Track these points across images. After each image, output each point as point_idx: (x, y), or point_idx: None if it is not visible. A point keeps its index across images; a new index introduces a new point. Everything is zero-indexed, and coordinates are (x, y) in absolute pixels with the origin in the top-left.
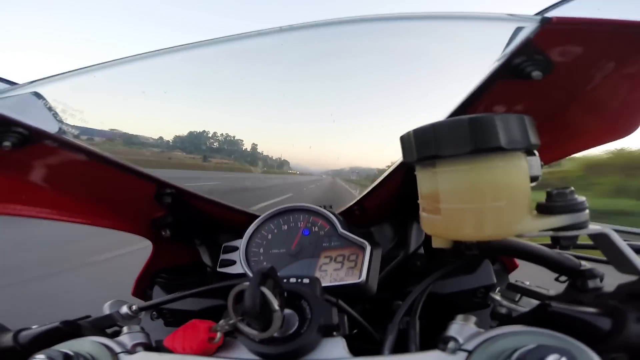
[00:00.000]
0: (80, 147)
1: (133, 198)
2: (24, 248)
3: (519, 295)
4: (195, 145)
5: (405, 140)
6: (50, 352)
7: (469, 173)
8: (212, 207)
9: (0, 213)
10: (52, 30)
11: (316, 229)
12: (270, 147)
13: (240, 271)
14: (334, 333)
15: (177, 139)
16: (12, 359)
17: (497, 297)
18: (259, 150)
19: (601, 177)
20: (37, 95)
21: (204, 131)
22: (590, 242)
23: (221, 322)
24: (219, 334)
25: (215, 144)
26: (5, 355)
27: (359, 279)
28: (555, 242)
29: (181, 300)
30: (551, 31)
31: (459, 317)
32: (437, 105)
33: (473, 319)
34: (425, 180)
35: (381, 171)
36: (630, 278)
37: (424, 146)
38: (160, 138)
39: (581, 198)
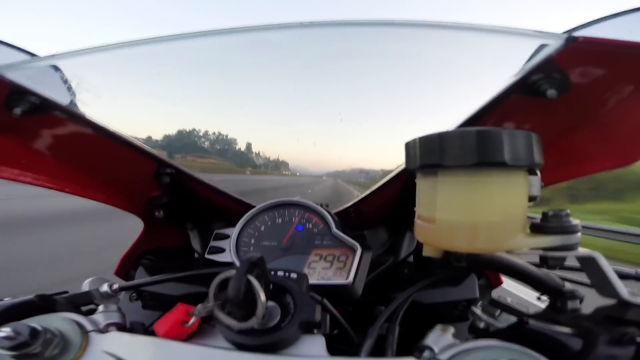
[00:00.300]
0: (89, 121)
1: (132, 175)
2: None
3: (499, 311)
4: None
5: (410, 146)
6: (17, 326)
7: (469, 185)
8: (209, 192)
9: None
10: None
11: (310, 225)
12: (267, 146)
13: (228, 260)
14: (315, 331)
15: (166, 138)
16: None
17: (478, 311)
18: (254, 149)
19: None
20: (55, 68)
21: (193, 129)
22: (577, 265)
23: (199, 306)
24: (193, 318)
25: (207, 142)
26: None
27: (346, 280)
28: (544, 261)
29: (163, 283)
30: (575, 50)
31: (438, 326)
32: (448, 115)
33: (451, 330)
34: (425, 189)
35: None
36: (609, 302)
37: (428, 154)
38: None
39: (575, 221)
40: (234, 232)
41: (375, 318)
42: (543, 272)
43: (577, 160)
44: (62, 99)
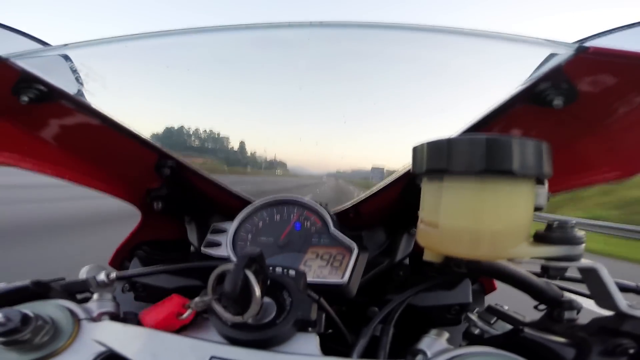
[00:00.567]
0: (94, 110)
1: (133, 165)
2: None
3: (495, 318)
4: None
5: (417, 151)
6: (8, 311)
7: (475, 192)
8: (208, 186)
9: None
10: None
11: (308, 224)
12: (265, 145)
13: (224, 254)
14: (309, 329)
15: (154, 136)
16: None
17: (474, 318)
18: (251, 148)
19: None
20: (66, 57)
21: (186, 127)
22: (577, 275)
23: (196, 299)
24: (188, 311)
25: (197, 141)
26: None
27: (341, 279)
28: (545, 271)
29: (157, 275)
30: (585, 60)
31: (433, 331)
32: (453, 120)
33: (446, 335)
34: (430, 193)
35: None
36: (607, 313)
37: (436, 159)
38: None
39: (580, 233)
40: (231, 226)
41: (367, 318)
42: (543, 281)
43: (583, 170)
44: (69, 88)
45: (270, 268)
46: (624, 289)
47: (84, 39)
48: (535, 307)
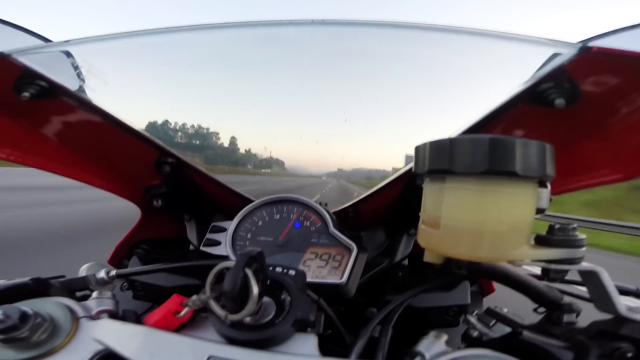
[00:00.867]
0: (95, 107)
1: (133, 162)
2: None
3: (493, 321)
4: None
5: (420, 150)
6: (7, 308)
7: (477, 193)
8: (208, 184)
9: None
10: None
11: (308, 223)
12: (263, 145)
13: (224, 253)
14: (308, 329)
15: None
16: None
17: (473, 320)
18: (249, 148)
19: None
20: (68, 54)
21: (166, 121)
22: (577, 278)
23: (194, 297)
24: (186, 309)
25: (196, 140)
26: None
27: (340, 279)
28: (545, 273)
29: (156, 274)
30: (588, 60)
31: (431, 333)
32: (454, 119)
33: (444, 337)
34: (431, 194)
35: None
36: (606, 317)
37: (438, 159)
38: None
39: (581, 235)
40: (231, 225)
41: (365, 319)
42: (543, 284)
43: (586, 170)
44: (71, 84)
45: (270, 267)
46: (624, 292)
47: (85, 36)
48: (535, 310)
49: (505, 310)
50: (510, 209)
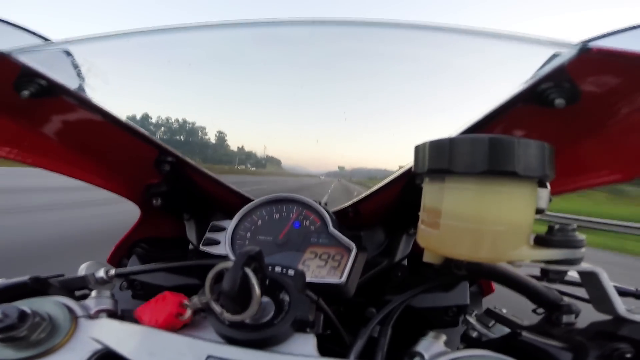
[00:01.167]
0: (95, 106)
1: (133, 161)
2: None
3: (493, 321)
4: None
5: (419, 150)
6: (5, 308)
7: (477, 193)
8: (208, 183)
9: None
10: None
11: (307, 223)
12: (262, 144)
13: (223, 253)
14: (307, 330)
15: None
16: None
17: (472, 321)
18: (248, 147)
19: None
20: (67, 53)
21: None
22: (576, 279)
23: (194, 297)
24: (188, 311)
25: (196, 139)
26: None
27: (339, 279)
28: (544, 274)
29: (155, 273)
30: (588, 60)
31: (431, 333)
32: (453, 119)
33: (443, 337)
34: (431, 194)
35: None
36: (605, 317)
37: (438, 159)
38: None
39: (581, 236)
40: (230, 224)
41: (365, 319)
42: (542, 285)
43: (582, 172)
44: (70, 83)
45: (269, 267)
46: (622, 293)
47: (85, 35)
48: (534, 311)
49: (505, 311)
50: (510, 209)
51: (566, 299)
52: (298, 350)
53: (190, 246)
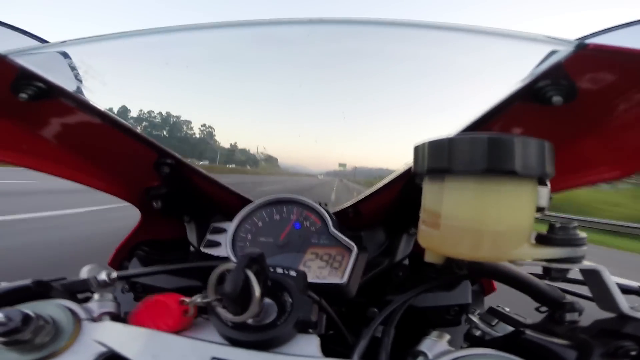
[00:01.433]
0: (93, 108)
1: (132, 163)
2: None
3: (496, 320)
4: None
5: (419, 150)
6: (9, 311)
7: (477, 192)
8: (208, 185)
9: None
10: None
11: (308, 224)
12: (260, 143)
13: (224, 254)
14: (310, 330)
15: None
16: None
17: (475, 319)
18: (245, 147)
19: None
20: (65, 54)
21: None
22: (579, 277)
23: (195, 296)
24: (191, 308)
25: (195, 139)
26: None
27: (341, 280)
28: (547, 273)
29: (156, 275)
30: (585, 57)
31: (434, 333)
32: (452, 117)
33: (447, 337)
34: (431, 193)
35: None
36: (609, 315)
37: (437, 159)
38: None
39: (582, 234)
40: (231, 226)
41: (367, 319)
42: (544, 283)
43: (580, 169)
44: (68, 85)
45: (271, 268)
46: (626, 290)
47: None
48: (537, 309)
49: (507, 309)
50: (510, 207)
51: (569, 297)
52: (301, 351)
53: (191, 248)
